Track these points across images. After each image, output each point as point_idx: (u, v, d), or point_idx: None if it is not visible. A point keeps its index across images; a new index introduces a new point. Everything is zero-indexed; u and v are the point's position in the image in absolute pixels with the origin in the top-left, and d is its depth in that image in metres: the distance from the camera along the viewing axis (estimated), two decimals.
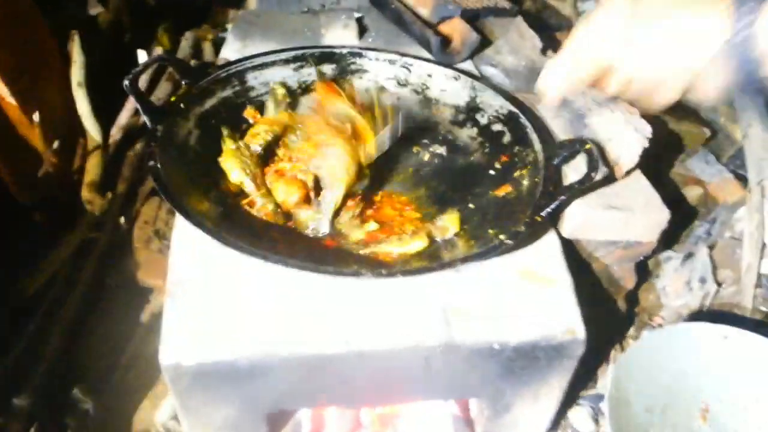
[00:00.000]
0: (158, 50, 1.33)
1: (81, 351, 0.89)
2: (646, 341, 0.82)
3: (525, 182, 0.83)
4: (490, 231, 0.77)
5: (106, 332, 0.92)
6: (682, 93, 0.66)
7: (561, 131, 0.90)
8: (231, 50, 1.08)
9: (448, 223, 0.80)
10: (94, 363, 0.89)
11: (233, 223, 0.76)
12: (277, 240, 0.76)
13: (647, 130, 0.88)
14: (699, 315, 1.05)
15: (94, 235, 0.96)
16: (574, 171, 0.84)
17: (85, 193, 0.97)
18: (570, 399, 0.99)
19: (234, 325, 0.68)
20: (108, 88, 1.12)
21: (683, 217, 1.17)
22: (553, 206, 0.75)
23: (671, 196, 1.03)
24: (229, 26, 1.46)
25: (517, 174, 0.85)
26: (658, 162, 1.20)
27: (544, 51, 1.16)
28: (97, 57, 1.17)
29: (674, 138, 1.25)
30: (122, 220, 0.99)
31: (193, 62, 1.31)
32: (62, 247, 0.93)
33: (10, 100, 0.90)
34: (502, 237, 0.73)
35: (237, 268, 0.73)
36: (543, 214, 0.75)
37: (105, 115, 1.12)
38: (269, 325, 0.68)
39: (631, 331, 1.06)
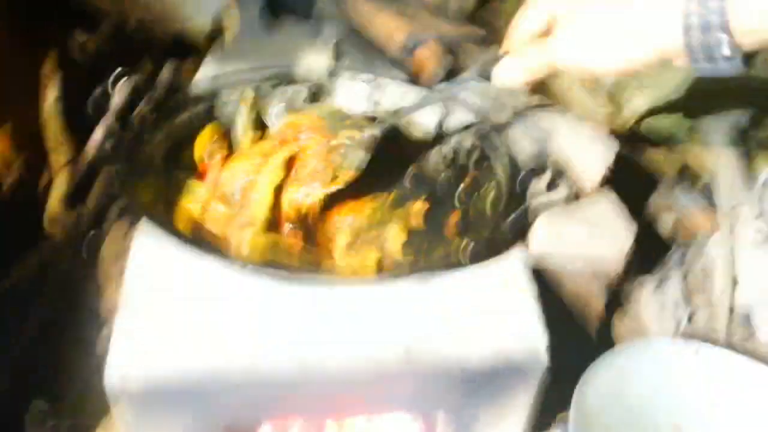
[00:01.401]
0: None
1: (31, 378, 0.87)
2: (610, 359, 0.79)
3: (491, 196, 0.83)
4: (453, 245, 0.77)
5: (61, 358, 0.90)
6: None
7: (527, 149, 0.91)
8: (208, 71, 1.10)
9: (393, 237, 0.80)
10: (44, 392, 0.86)
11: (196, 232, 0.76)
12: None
13: (613, 146, 0.89)
14: None
15: (56, 254, 0.95)
16: (537, 187, 0.84)
17: (53, 207, 0.96)
18: (543, 426, 0.96)
19: (187, 340, 0.66)
20: (86, 111, 1.12)
21: (657, 244, 1.16)
22: (513, 217, 0.75)
23: (645, 223, 1.03)
24: None
25: (483, 189, 0.86)
26: (631, 189, 1.20)
27: None
28: (80, 81, 1.18)
29: (647, 166, 1.26)
30: (90, 236, 0.98)
31: None
32: (21, 265, 0.91)
33: None
34: (466, 248, 0.72)
35: (193, 281, 0.71)
36: (507, 225, 0.75)
37: (80, 135, 1.13)
38: (225, 339, 0.66)
39: None
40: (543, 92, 1.38)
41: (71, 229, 0.98)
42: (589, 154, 0.86)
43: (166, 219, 0.73)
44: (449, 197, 0.89)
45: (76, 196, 1.00)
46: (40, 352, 0.93)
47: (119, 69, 1.10)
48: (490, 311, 0.72)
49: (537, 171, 0.83)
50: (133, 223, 1.02)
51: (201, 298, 0.70)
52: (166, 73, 1.36)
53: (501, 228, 0.75)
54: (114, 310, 0.81)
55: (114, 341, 0.65)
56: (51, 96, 1.09)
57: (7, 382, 0.87)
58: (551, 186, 0.76)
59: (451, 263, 0.72)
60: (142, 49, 1.55)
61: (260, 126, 0.93)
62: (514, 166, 0.83)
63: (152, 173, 0.81)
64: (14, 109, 1.02)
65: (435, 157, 0.96)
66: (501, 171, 0.85)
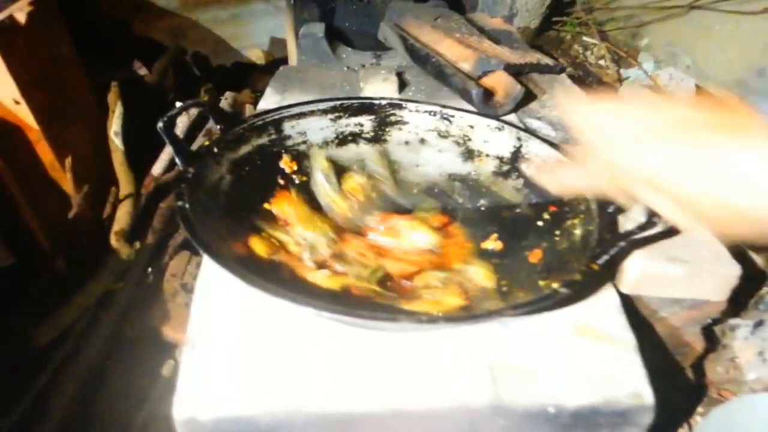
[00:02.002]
0: None
1: (96, 407, 0.83)
2: (716, 417, 0.71)
3: (577, 231, 0.76)
4: (541, 282, 0.70)
5: (124, 388, 0.86)
6: None
7: None
8: (269, 102, 1.07)
9: (480, 278, 0.74)
10: (108, 420, 0.82)
11: (260, 268, 0.71)
12: (307, 288, 0.71)
13: None
14: None
15: (118, 285, 0.92)
16: (630, 222, 0.77)
17: (113, 242, 0.94)
18: None
19: (257, 378, 0.62)
20: (146, 144, 1.11)
21: (750, 281, 1.07)
22: (611, 254, 0.68)
23: (736, 259, 0.95)
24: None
25: (568, 224, 0.79)
26: None
27: None
28: (138, 112, 1.18)
29: None
30: (150, 271, 0.95)
31: None
32: (82, 295, 0.88)
33: (44, 142, 0.89)
34: (555, 286, 0.65)
35: (263, 316, 0.68)
36: (600, 262, 0.68)
37: (140, 167, 1.11)
38: (296, 378, 0.62)
39: (699, 407, 0.95)
40: None
41: (133, 260, 0.96)
42: None
43: (231, 258, 0.68)
44: (527, 233, 0.82)
45: (137, 228, 0.99)
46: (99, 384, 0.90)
47: (179, 102, 1.09)
48: (584, 353, 0.66)
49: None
50: (195, 255, 1.00)
51: (271, 333, 0.66)
52: (225, 105, 1.36)
53: (593, 267, 0.67)
54: (180, 342, 0.78)
55: (182, 377, 0.62)
56: (112, 128, 1.08)
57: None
58: (647, 222, 0.69)
59: (538, 303, 0.65)
60: (201, 80, 1.56)
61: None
62: (601, 198, 0.76)
63: (216, 209, 0.77)
64: (75, 142, 1.01)
65: (509, 190, 0.90)
66: (587, 204, 0.78)
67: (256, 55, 1.99)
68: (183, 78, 1.61)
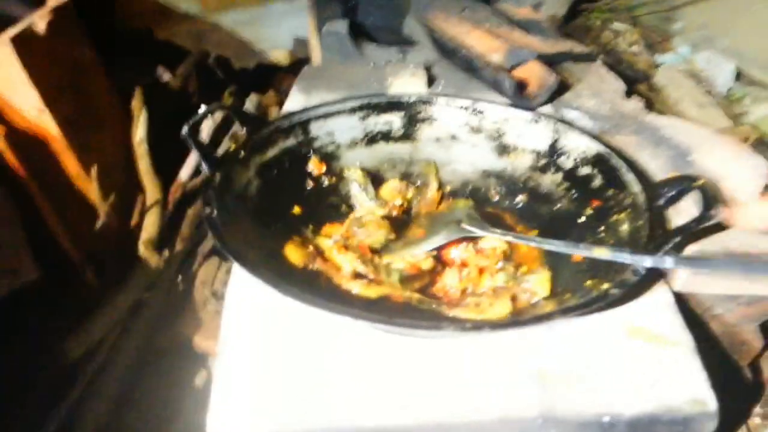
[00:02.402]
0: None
1: (128, 420, 0.81)
2: None
3: (624, 227, 0.72)
4: (588, 283, 0.66)
5: (157, 401, 0.84)
6: None
7: (661, 171, 0.80)
8: (294, 103, 1.05)
9: (537, 286, 0.70)
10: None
11: (293, 276, 0.69)
12: (344, 295, 0.68)
13: (764, 166, 0.76)
14: None
15: (148, 295, 0.90)
16: (678, 215, 0.73)
17: (142, 251, 0.93)
18: None
19: (293, 392, 0.59)
20: (171, 149, 1.10)
21: None
22: (664, 251, 0.64)
23: None
24: None
25: (613, 219, 0.75)
26: None
27: (627, 94, 1.07)
28: (162, 117, 1.16)
29: None
30: (179, 279, 0.93)
31: None
32: (113, 306, 0.87)
33: (68, 151, 0.88)
34: (606, 287, 0.61)
35: (297, 327, 0.65)
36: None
37: (166, 173, 1.10)
38: (335, 392, 0.59)
39: (757, 408, 0.90)
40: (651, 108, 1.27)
41: (162, 269, 0.94)
42: (739, 174, 0.74)
43: (263, 266, 0.65)
44: (569, 229, 0.78)
45: (165, 235, 0.97)
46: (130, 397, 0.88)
47: (203, 105, 1.07)
48: (638, 356, 0.62)
49: (678, 195, 0.71)
50: (224, 261, 0.98)
51: (307, 345, 0.64)
52: (250, 107, 1.34)
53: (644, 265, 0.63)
54: (212, 351, 0.75)
55: (215, 393, 0.60)
56: (137, 135, 1.07)
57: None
58: (701, 215, 0.65)
59: (588, 306, 0.61)
60: (224, 83, 1.54)
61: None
62: (649, 190, 0.72)
63: (245, 214, 0.75)
64: (101, 150, 1.00)
65: (548, 185, 0.86)
66: (633, 198, 0.73)
67: (279, 56, 1.97)
68: (206, 81, 1.60)
